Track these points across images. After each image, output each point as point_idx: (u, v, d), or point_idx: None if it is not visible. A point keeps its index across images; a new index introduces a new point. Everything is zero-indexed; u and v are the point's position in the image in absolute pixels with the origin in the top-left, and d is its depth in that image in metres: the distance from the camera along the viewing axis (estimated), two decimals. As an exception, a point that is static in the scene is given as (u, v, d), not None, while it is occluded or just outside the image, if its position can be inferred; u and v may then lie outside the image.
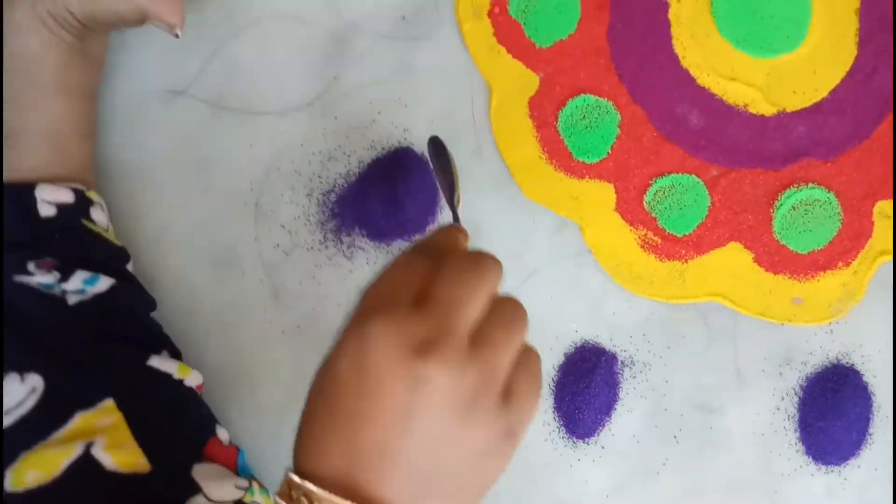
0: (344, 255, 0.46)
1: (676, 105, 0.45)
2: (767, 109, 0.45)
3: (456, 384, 0.27)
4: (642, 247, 0.46)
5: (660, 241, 0.45)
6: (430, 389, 0.26)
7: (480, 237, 0.46)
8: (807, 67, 0.45)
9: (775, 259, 0.46)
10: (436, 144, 0.39)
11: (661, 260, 0.46)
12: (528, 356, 0.29)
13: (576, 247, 0.46)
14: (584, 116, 0.45)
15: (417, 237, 0.46)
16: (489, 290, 0.29)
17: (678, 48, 0.45)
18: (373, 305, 0.28)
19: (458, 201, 0.39)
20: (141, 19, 0.39)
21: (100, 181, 0.44)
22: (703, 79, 0.45)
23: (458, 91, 0.45)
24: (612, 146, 0.45)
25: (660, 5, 0.45)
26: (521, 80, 0.45)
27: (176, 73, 0.45)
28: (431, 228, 0.41)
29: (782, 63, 0.45)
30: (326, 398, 0.28)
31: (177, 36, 0.40)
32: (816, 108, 0.45)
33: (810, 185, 0.45)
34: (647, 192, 0.45)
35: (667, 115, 0.45)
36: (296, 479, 0.28)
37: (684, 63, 0.45)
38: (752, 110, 0.45)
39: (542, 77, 0.45)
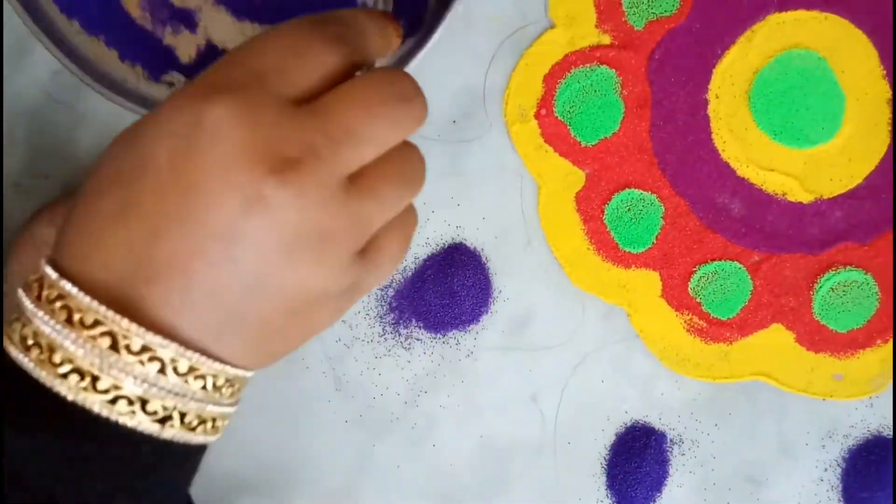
0: (402, 347, 0.48)
1: (717, 195, 0.47)
2: (805, 197, 0.47)
3: (306, 222, 0.21)
4: (688, 330, 0.48)
5: (705, 324, 0.48)
6: (271, 218, 0.20)
7: (532, 325, 0.48)
8: (842, 156, 0.47)
9: (816, 338, 0.48)
10: None
11: (706, 342, 0.48)
12: (407, 216, 0.24)
13: (624, 332, 0.48)
14: (629, 209, 0.47)
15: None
16: (399, 133, 0.23)
17: (718, 142, 0.47)
18: (233, 79, 0.21)
19: None
20: None
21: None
22: (743, 170, 0.47)
23: (508, 188, 0.48)
24: (656, 236, 0.47)
25: (699, 102, 0.47)
26: (568, 177, 0.47)
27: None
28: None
29: (818, 152, 0.47)
30: (124, 183, 0.21)
31: None
32: (852, 193, 0.47)
33: (848, 267, 0.47)
34: (692, 279, 0.47)
35: (708, 206, 0.47)
36: (50, 273, 0.21)
37: (724, 155, 0.47)
38: (791, 198, 0.47)
39: (587, 173, 0.47)
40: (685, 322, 0.48)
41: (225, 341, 0.21)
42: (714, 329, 0.48)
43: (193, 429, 0.21)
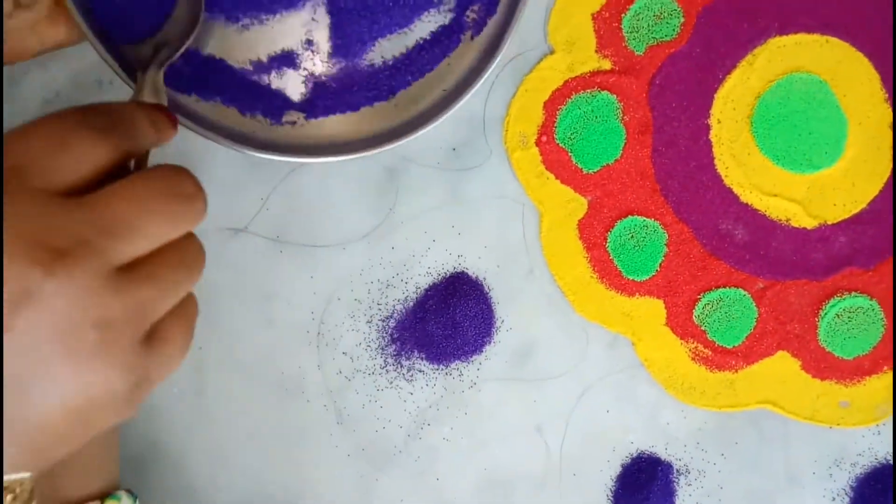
0: (404, 378, 0.47)
1: (721, 222, 0.47)
2: (809, 222, 0.47)
3: (79, 312, 0.20)
4: (693, 359, 0.47)
5: (710, 353, 0.47)
6: (40, 311, 0.20)
7: (535, 355, 0.47)
8: (845, 181, 0.47)
9: (822, 365, 0.47)
10: None
11: (711, 371, 0.47)
12: (188, 303, 0.25)
13: (629, 361, 0.47)
14: (632, 236, 0.47)
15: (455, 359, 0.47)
16: (176, 229, 0.23)
17: (720, 167, 0.47)
18: (15, 164, 0.21)
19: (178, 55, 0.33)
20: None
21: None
22: (746, 196, 0.47)
23: (510, 216, 0.47)
24: (660, 264, 0.47)
25: (701, 127, 0.47)
26: (570, 204, 0.47)
27: (236, 211, 0.47)
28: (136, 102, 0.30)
29: (822, 177, 0.47)
30: None
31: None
32: (856, 219, 0.47)
33: (853, 293, 0.47)
34: (696, 307, 0.47)
35: (712, 232, 0.47)
36: None
37: (727, 181, 0.47)
38: (795, 224, 0.47)
39: (590, 200, 0.47)
40: (690, 350, 0.47)
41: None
42: (719, 357, 0.47)
43: None
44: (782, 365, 0.47)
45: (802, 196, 0.47)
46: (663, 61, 0.46)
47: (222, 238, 0.46)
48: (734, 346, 0.47)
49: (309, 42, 0.39)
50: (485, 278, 0.47)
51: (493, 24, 0.40)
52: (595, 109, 0.46)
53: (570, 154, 0.47)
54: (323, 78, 0.39)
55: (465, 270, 0.47)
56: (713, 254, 0.47)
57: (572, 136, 0.46)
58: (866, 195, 0.47)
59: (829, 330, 0.47)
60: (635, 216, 0.47)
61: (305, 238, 0.47)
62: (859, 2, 0.46)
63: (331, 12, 0.38)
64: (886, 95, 0.47)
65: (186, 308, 0.24)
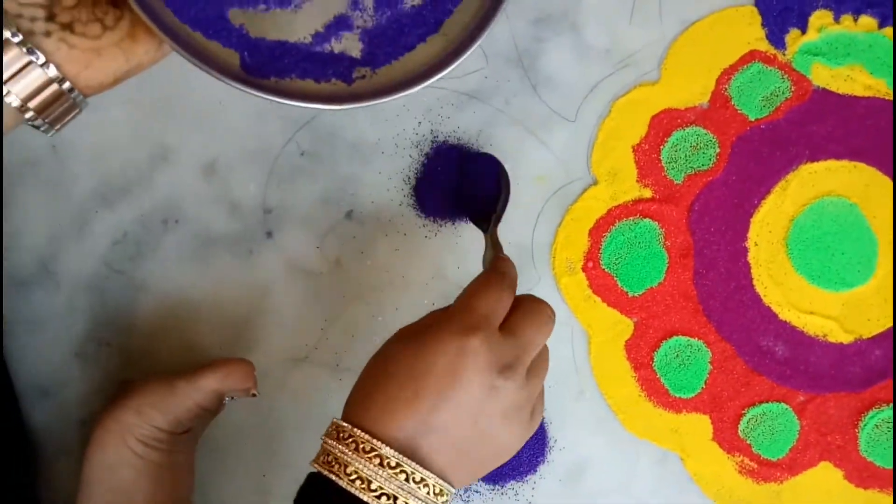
0: (461, 499, 0.49)
1: (762, 339, 0.49)
2: (845, 337, 0.49)
3: (516, 400, 0.35)
4: (740, 472, 0.49)
5: (756, 465, 0.49)
6: (499, 399, 0.35)
7: (588, 473, 0.49)
8: (878, 296, 0.49)
9: (864, 475, 0.49)
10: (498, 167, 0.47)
11: (758, 483, 0.49)
12: (545, 350, 0.38)
13: (678, 476, 0.49)
14: (677, 355, 0.49)
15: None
16: (548, 335, 0.38)
17: (759, 287, 0.49)
18: (474, 323, 0.35)
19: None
20: (221, 399, 0.44)
21: (235, 451, 0.47)
22: (785, 314, 0.49)
23: (559, 338, 0.49)
24: (705, 381, 0.49)
25: (739, 250, 0.49)
26: (617, 326, 0.49)
27: (298, 342, 0.48)
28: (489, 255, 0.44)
29: (856, 295, 0.49)
30: (417, 380, 0.34)
31: (254, 395, 0.44)
32: (891, 332, 0.49)
33: (891, 404, 0.49)
34: (741, 421, 0.49)
35: (753, 349, 0.49)
36: (363, 435, 0.34)
37: (766, 301, 0.49)
38: (832, 339, 0.49)
39: (635, 322, 0.49)
40: (737, 464, 0.49)
41: (457, 472, 0.35)
42: (765, 469, 0.49)
43: None
44: (826, 475, 0.49)
45: (838, 313, 0.49)
46: (701, 189, 0.49)
47: (285, 369, 0.48)
48: (779, 459, 0.49)
49: (355, 3, 0.41)
50: (538, 400, 0.49)
51: None
52: (638, 236, 0.49)
53: (615, 278, 0.49)
54: (375, 30, 0.42)
55: (519, 392, 0.49)
56: (755, 370, 0.49)
57: (617, 262, 0.49)
58: (898, 310, 0.49)
59: (869, 440, 0.49)
60: (680, 336, 0.49)
61: (361, 365, 0.49)
62: (883, 131, 0.49)
63: None
64: (913, 216, 0.49)
65: (545, 351, 0.39)
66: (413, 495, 0.33)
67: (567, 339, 0.49)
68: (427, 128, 0.49)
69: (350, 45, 0.41)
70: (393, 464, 0.33)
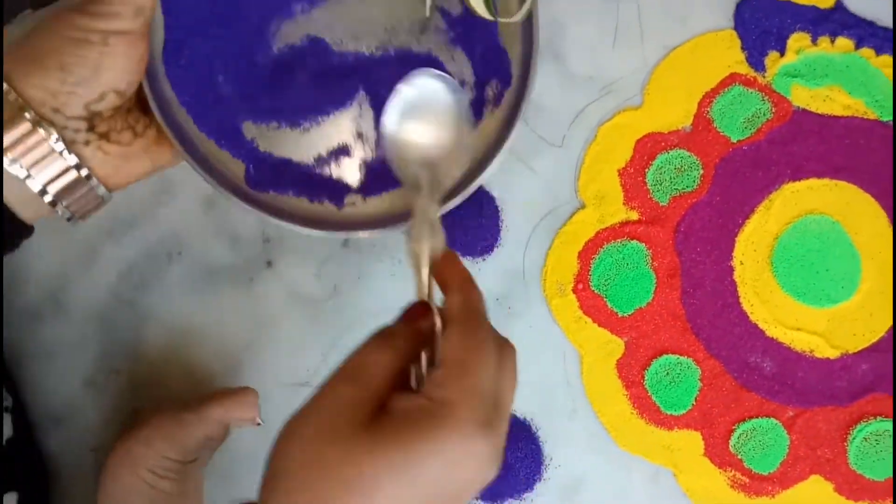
0: None
1: (750, 356, 0.50)
2: (832, 353, 0.50)
3: (495, 451, 0.30)
4: (732, 486, 0.50)
5: (747, 480, 0.50)
6: (488, 478, 0.30)
7: (584, 490, 0.50)
8: (863, 311, 0.50)
9: (854, 487, 0.50)
10: None
11: (750, 497, 0.50)
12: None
13: (672, 491, 0.50)
14: (667, 373, 0.50)
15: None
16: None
17: (746, 305, 0.50)
18: (486, 418, 0.30)
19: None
20: (226, 428, 0.45)
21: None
22: (771, 330, 0.50)
23: (552, 359, 0.50)
24: (695, 398, 0.50)
25: (725, 269, 0.50)
26: (608, 346, 0.50)
27: (299, 367, 0.50)
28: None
29: (841, 310, 0.50)
30: (405, 483, 0.28)
31: (259, 424, 0.46)
32: (876, 347, 0.50)
33: (878, 417, 0.50)
34: (732, 437, 0.50)
35: (742, 366, 0.50)
36: None
37: (753, 318, 0.50)
38: (818, 354, 0.50)
39: (626, 341, 0.50)
40: (729, 479, 0.50)
41: None
42: (757, 484, 0.50)
43: None
44: (817, 488, 0.50)
45: (824, 328, 0.50)
46: (686, 210, 0.50)
47: (286, 394, 0.50)
48: (769, 473, 0.50)
49: (359, 133, 0.44)
50: (532, 419, 0.50)
51: (510, 95, 0.44)
52: (626, 257, 0.50)
53: (605, 299, 0.50)
54: (374, 163, 0.44)
55: (514, 413, 0.50)
56: (744, 386, 0.50)
57: (606, 283, 0.50)
58: (883, 324, 0.50)
59: (858, 453, 0.50)
60: (669, 354, 0.50)
61: (363, 388, 0.50)
62: (862, 148, 0.50)
63: (373, 106, 0.43)
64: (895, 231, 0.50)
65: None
66: None
67: (560, 359, 0.51)
68: (419, 157, 0.51)
69: (347, 172, 0.44)
70: None
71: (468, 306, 0.33)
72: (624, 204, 0.50)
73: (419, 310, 0.34)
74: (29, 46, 0.34)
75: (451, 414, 0.29)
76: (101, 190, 0.37)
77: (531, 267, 0.51)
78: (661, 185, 0.50)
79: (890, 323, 0.50)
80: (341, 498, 0.28)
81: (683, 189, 0.50)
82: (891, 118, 0.51)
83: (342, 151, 0.44)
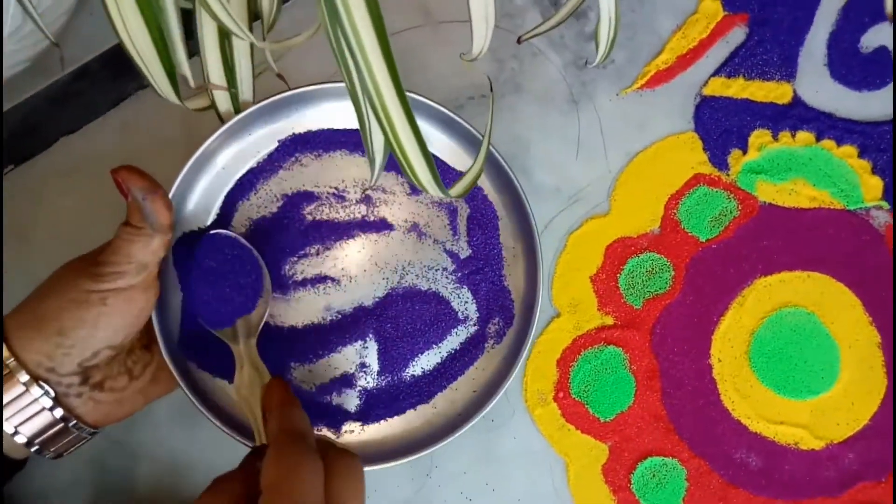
0: None
1: (734, 452, 0.50)
2: (817, 444, 0.50)
3: None
4: (727, 585, 0.50)
5: (742, 577, 0.50)
6: None
7: None
8: (845, 401, 0.50)
9: (850, 578, 0.50)
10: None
11: None
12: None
13: (667, 593, 0.50)
14: (654, 475, 0.50)
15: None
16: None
17: (727, 402, 0.51)
18: None
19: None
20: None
21: None
22: (754, 425, 0.50)
23: (538, 468, 0.51)
24: (683, 498, 0.50)
25: (704, 368, 0.51)
26: (593, 451, 0.51)
27: None
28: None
29: (822, 401, 0.50)
30: None
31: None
32: (860, 435, 0.50)
33: (869, 506, 0.50)
34: (723, 535, 0.50)
35: (728, 463, 0.50)
36: None
37: (735, 414, 0.51)
38: (803, 447, 0.50)
39: (610, 446, 0.51)
40: (723, 577, 0.50)
41: None
42: (752, 580, 0.50)
43: None
44: (813, 581, 0.50)
45: (807, 420, 0.50)
46: (661, 312, 0.51)
47: None
48: (764, 569, 0.50)
49: (362, 365, 0.45)
50: (523, 530, 0.50)
51: (511, 333, 0.45)
52: (604, 362, 0.51)
53: (586, 406, 0.51)
54: (374, 391, 0.46)
55: (504, 523, 0.51)
56: (732, 483, 0.50)
57: (586, 389, 0.51)
58: (867, 412, 0.50)
59: (851, 543, 0.50)
60: (654, 456, 0.50)
61: None
62: (832, 238, 0.51)
63: (378, 340, 0.45)
64: (870, 319, 0.51)
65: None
66: None
67: (546, 469, 0.51)
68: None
69: (348, 400, 0.45)
70: None
71: (282, 427, 0.33)
72: (598, 310, 0.51)
73: (257, 451, 0.35)
74: (30, 310, 0.36)
75: None
76: (88, 431, 0.38)
77: (511, 378, 0.51)
78: (633, 288, 0.51)
79: (873, 409, 0.50)
80: None
81: (656, 291, 0.51)
82: (856, 206, 0.51)
83: (345, 381, 0.45)
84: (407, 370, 0.46)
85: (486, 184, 0.46)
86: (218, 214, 0.44)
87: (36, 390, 0.35)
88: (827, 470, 0.50)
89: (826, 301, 0.51)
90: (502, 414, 0.51)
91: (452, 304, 0.46)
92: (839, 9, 0.52)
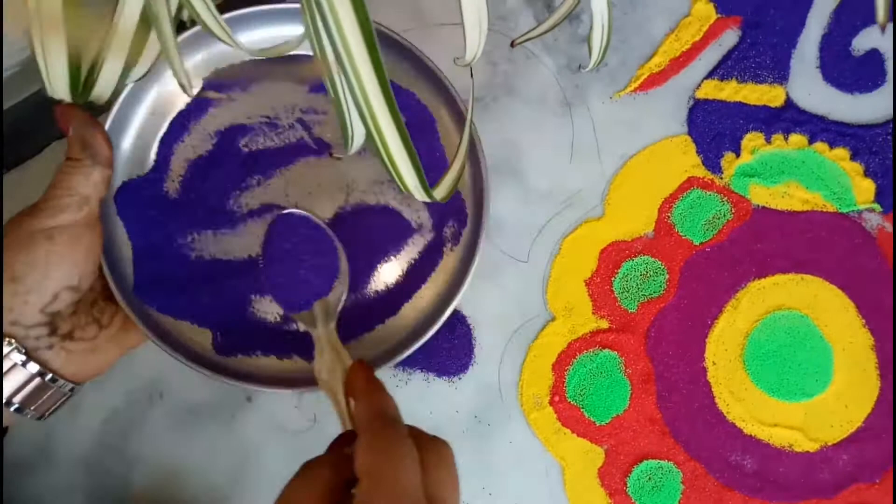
0: None
1: (730, 455, 0.51)
2: (811, 446, 0.50)
3: None
4: (723, 587, 0.50)
5: (737, 579, 0.50)
6: None
7: None
8: (839, 403, 0.51)
9: (845, 579, 0.50)
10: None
11: None
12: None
13: None
14: (649, 478, 0.50)
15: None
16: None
17: (721, 405, 0.51)
18: None
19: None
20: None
21: None
22: (749, 428, 0.51)
23: (534, 473, 0.51)
24: (678, 501, 0.50)
25: (698, 371, 0.51)
26: (589, 455, 0.51)
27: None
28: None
29: (816, 403, 0.51)
30: None
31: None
32: (854, 437, 0.50)
33: (863, 507, 0.50)
34: (718, 537, 0.50)
35: (723, 465, 0.50)
36: None
37: (729, 417, 0.51)
38: (798, 449, 0.51)
39: (606, 449, 0.51)
40: (719, 579, 0.50)
41: None
42: (747, 582, 0.50)
43: None
44: (807, 583, 0.50)
45: (801, 422, 0.51)
46: (655, 315, 0.51)
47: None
48: (759, 571, 0.50)
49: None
50: (519, 534, 0.51)
51: (467, 233, 0.46)
52: (599, 366, 0.51)
53: (581, 410, 0.51)
54: (340, 313, 0.44)
55: (500, 527, 0.51)
56: (727, 485, 0.50)
57: (582, 393, 0.51)
58: (860, 414, 0.51)
59: (846, 544, 0.50)
60: (650, 460, 0.51)
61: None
62: (825, 241, 0.51)
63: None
64: (864, 321, 0.51)
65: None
66: None
67: (542, 473, 0.51)
68: (388, 282, 0.52)
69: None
70: None
71: (373, 411, 0.32)
72: (593, 313, 0.51)
73: (345, 437, 0.35)
74: None
75: None
76: (68, 387, 0.38)
77: (507, 382, 0.51)
78: (628, 292, 0.51)
79: (867, 411, 0.50)
80: None
81: (651, 295, 0.51)
82: (848, 209, 0.51)
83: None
84: (370, 286, 0.45)
85: (420, 90, 0.45)
86: (156, 160, 0.44)
87: (5, 347, 0.35)
88: (821, 472, 0.50)
89: (819, 304, 0.51)
90: (498, 418, 0.51)
91: (404, 214, 0.45)
92: (831, 11, 0.52)
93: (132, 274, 0.43)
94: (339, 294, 0.41)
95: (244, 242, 0.44)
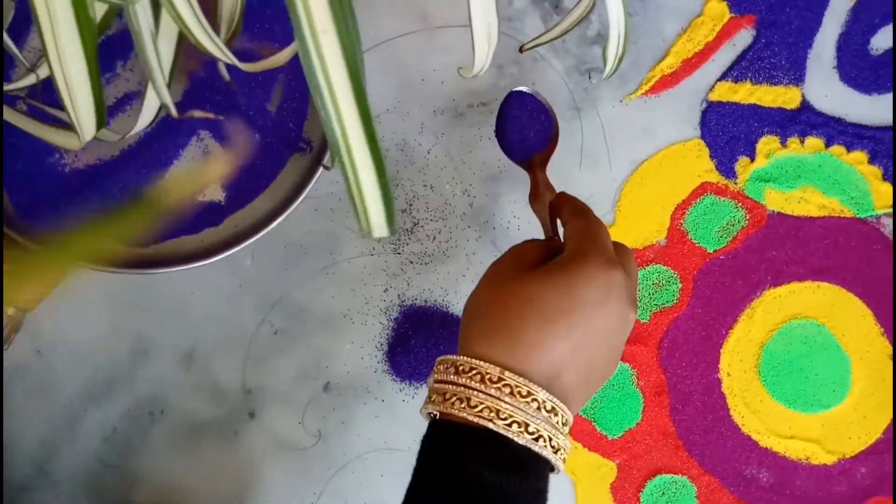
0: None
1: (745, 468, 0.49)
2: (828, 458, 0.49)
3: (633, 323, 0.37)
4: None
5: None
6: (628, 327, 0.37)
7: None
8: (857, 414, 0.49)
9: None
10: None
11: None
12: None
13: None
14: (663, 493, 0.49)
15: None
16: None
17: (736, 417, 0.49)
18: (612, 258, 0.37)
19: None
20: None
21: None
22: (765, 441, 0.49)
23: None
24: (693, 516, 0.49)
25: (713, 382, 0.50)
26: (601, 470, 0.49)
27: (291, 517, 0.50)
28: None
29: (834, 415, 0.49)
30: (568, 315, 0.35)
31: None
32: (873, 449, 0.49)
33: (882, 520, 0.49)
34: (734, 552, 0.49)
35: (738, 479, 0.49)
36: (509, 375, 0.34)
37: (745, 430, 0.49)
38: (815, 461, 0.49)
39: (618, 464, 0.49)
40: None
41: (579, 401, 0.36)
42: None
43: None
44: None
45: (818, 434, 0.49)
46: (668, 326, 0.50)
47: (280, 545, 0.49)
48: (776, 586, 0.49)
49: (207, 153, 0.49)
50: (530, 551, 0.49)
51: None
52: (611, 379, 0.49)
53: (593, 423, 0.49)
54: (233, 180, 0.49)
55: (510, 544, 0.49)
56: (742, 499, 0.49)
57: (593, 406, 0.49)
58: (879, 425, 0.49)
59: (864, 558, 0.49)
60: (663, 474, 0.49)
61: (357, 533, 0.50)
62: (842, 248, 0.49)
63: (209, 127, 0.49)
64: (882, 329, 0.49)
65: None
66: (548, 424, 0.34)
67: (554, 488, 0.50)
68: (393, 293, 0.50)
69: (215, 195, 0.48)
70: (524, 392, 0.33)
71: (577, 205, 0.41)
72: (604, 324, 0.50)
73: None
74: None
75: (587, 253, 0.36)
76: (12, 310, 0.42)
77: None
78: (640, 301, 0.50)
79: (886, 422, 0.49)
80: (520, 312, 0.35)
81: (663, 304, 0.50)
82: (866, 214, 0.50)
83: None
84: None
85: None
86: None
87: None
88: (839, 485, 0.49)
89: (836, 312, 0.49)
90: (507, 432, 0.50)
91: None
92: (848, 9, 0.51)
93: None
94: (552, 148, 0.47)
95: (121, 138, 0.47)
